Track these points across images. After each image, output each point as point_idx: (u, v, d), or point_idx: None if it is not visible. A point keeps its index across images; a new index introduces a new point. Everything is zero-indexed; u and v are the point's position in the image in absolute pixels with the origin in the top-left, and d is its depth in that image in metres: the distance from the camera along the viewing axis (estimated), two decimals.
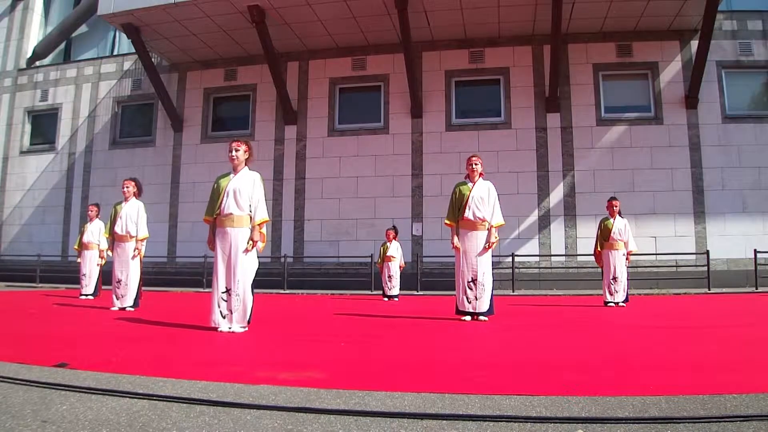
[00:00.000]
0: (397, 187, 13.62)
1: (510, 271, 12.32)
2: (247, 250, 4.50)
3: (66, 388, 2.26)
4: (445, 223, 5.93)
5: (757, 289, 11.21)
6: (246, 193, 4.57)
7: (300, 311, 7.33)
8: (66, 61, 17.17)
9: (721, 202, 12.42)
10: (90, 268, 9.17)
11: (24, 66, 16.97)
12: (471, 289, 5.49)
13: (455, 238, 5.68)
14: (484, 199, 5.63)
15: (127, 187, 6.99)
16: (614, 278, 7.79)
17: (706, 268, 11.59)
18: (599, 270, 8.26)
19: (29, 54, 17.06)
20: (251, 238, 4.53)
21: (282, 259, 13.42)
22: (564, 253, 12.74)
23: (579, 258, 12.53)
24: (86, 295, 9.06)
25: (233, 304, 4.44)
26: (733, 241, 12.22)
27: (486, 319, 5.49)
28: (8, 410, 1.93)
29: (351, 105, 14.46)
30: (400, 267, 9.98)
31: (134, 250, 6.82)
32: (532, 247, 12.86)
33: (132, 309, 6.68)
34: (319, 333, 4.70)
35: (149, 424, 1.78)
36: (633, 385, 2.35)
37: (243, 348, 3.73)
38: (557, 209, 12.91)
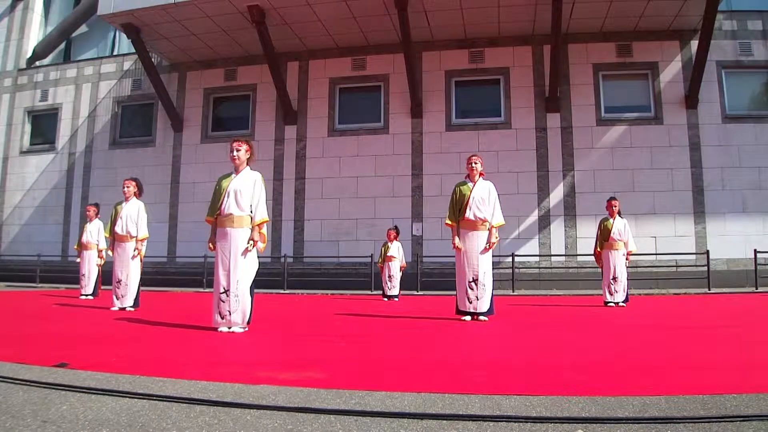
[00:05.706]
0: (397, 187, 13.61)
1: (510, 271, 12.31)
2: (247, 251, 4.48)
3: (66, 388, 2.26)
4: (446, 224, 5.91)
5: (757, 289, 11.20)
6: (247, 193, 4.55)
7: (300, 311, 7.33)
8: (66, 61, 17.17)
9: (721, 202, 12.42)
10: (89, 268, 9.17)
11: (24, 66, 16.97)
12: (472, 289, 5.49)
13: (456, 238, 5.68)
14: (484, 200, 5.62)
15: (127, 187, 6.99)
16: (614, 278, 7.80)
17: (706, 268, 11.58)
18: (599, 270, 8.27)
19: (29, 54, 17.05)
20: (251, 238, 4.52)
21: (282, 259, 13.41)
22: (564, 253, 12.74)
23: (579, 258, 12.53)
24: (86, 295, 9.06)
25: (232, 304, 4.42)
26: (733, 241, 12.22)
27: (486, 319, 5.48)
28: (8, 410, 1.93)
29: (351, 105, 14.45)
30: (401, 267, 9.98)
31: (134, 250, 6.83)
32: (532, 247, 12.85)
33: (132, 309, 6.68)
34: (318, 333, 4.70)
35: (149, 424, 1.78)
36: (633, 385, 2.35)
37: (243, 348, 3.73)
38: (557, 209, 12.90)
